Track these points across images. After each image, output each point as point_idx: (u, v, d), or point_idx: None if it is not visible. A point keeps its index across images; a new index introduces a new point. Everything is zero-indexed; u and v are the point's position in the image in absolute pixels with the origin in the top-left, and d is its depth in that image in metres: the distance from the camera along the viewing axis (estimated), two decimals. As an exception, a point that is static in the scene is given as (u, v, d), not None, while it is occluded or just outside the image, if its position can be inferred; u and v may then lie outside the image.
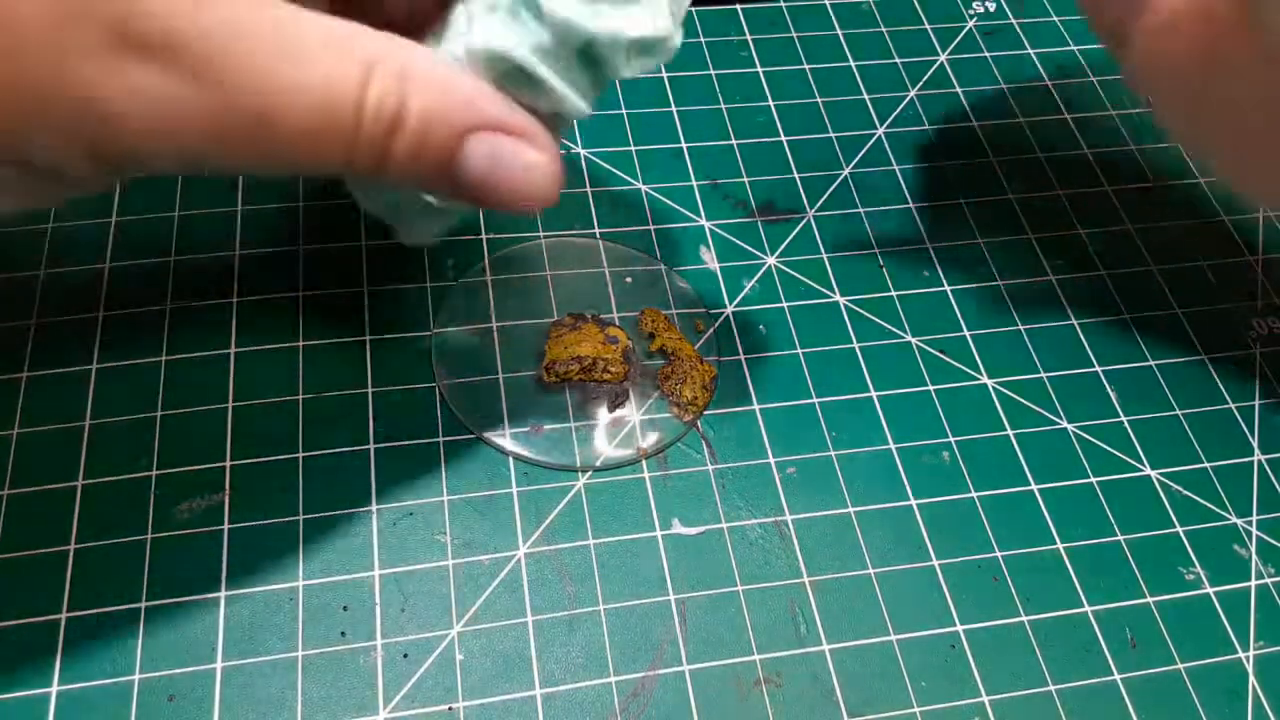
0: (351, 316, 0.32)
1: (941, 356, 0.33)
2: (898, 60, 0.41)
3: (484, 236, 0.34)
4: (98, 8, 0.17)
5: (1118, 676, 0.27)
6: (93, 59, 0.17)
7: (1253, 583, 0.29)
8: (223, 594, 0.26)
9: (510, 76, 0.21)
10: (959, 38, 0.43)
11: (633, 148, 0.37)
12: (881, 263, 0.35)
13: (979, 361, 0.33)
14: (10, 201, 0.20)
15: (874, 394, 0.32)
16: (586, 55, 0.21)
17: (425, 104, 0.20)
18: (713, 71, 0.40)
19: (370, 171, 0.21)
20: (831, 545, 0.29)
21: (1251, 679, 0.27)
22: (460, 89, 0.21)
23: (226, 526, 0.27)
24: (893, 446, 0.31)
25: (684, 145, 0.38)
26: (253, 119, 0.19)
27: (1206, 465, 0.31)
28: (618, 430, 0.30)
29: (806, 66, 0.41)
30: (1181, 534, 0.30)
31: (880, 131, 0.39)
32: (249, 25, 0.19)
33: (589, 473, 0.29)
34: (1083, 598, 0.28)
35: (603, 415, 0.30)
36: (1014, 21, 0.43)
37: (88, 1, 0.17)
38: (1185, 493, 0.31)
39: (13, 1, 0.17)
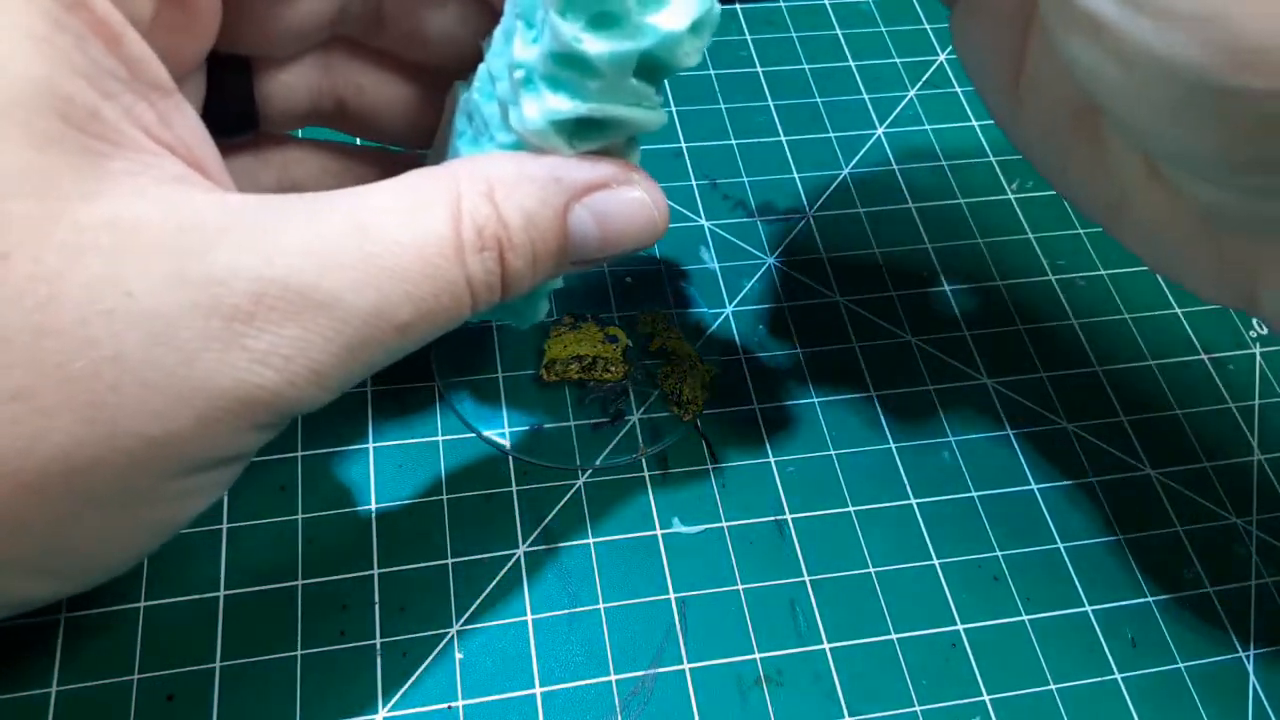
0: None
1: (941, 356, 0.33)
2: (897, 60, 0.41)
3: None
4: (193, 302, 0.17)
5: (1118, 676, 0.27)
6: (212, 350, 0.17)
7: (1252, 582, 0.29)
8: (221, 593, 0.26)
9: (581, 126, 0.21)
10: (958, 38, 0.43)
11: (632, 147, 0.37)
12: (881, 262, 0.35)
13: (979, 361, 0.33)
14: (193, 505, 0.20)
15: (874, 394, 0.32)
16: (643, 66, 0.20)
17: (521, 205, 0.20)
18: (712, 71, 0.40)
19: (499, 299, 0.21)
20: (832, 544, 0.29)
21: (1251, 678, 0.27)
22: (539, 172, 0.21)
23: (225, 526, 0.27)
24: (893, 446, 0.31)
25: (683, 145, 0.38)
26: (370, 320, 0.19)
27: (1206, 465, 0.31)
28: (617, 430, 0.30)
29: (806, 66, 0.41)
30: (1181, 533, 0.30)
31: (880, 131, 0.39)
32: (322, 238, 0.18)
33: (589, 472, 0.29)
34: (1083, 597, 0.28)
35: (602, 415, 0.30)
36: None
37: (180, 303, 0.17)
38: (1185, 492, 0.31)
39: (111, 341, 0.17)
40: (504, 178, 0.20)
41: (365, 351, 0.19)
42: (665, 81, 0.21)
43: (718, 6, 0.20)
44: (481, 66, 0.23)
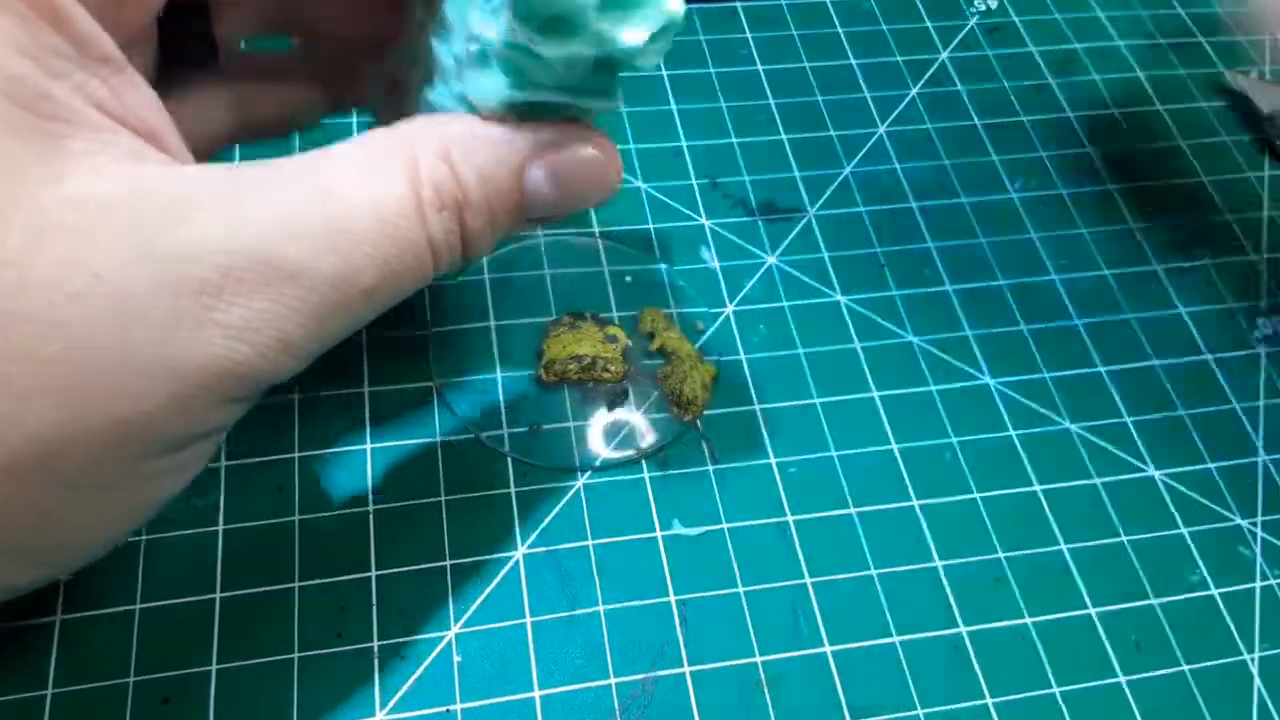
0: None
1: (943, 356, 0.33)
2: (899, 58, 0.41)
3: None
4: (160, 279, 0.17)
5: (1122, 678, 0.27)
6: (183, 328, 0.17)
7: (1257, 584, 0.29)
8: (218, 595, 0.26)
9: (534, 108, 0.21)
10: (960, 35, 0.42)
11: (632, 146, 0.37)
12: (882, 261, 0.35)
13: (981, 361, 0.33)
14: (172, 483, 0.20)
15: (875, 394, 0.32)
16: (600, 63, 0.20)
17: (477, 166, 0.21)
18: (712, 69, 0.40)
19: (461, 258, 0.21)
20: (833, 546, 0.28)
21: (1256, 680, 0.27)
22: (494, 133, 0.21)
23: (221, 527, 0.27)
24: (894, 446, 0.31)
25: (684, 144, 0.37)
26: (336, 285, 0.19)
27: (1210, 466, 0.31)
28: (617, 430, 0.30)
29: (807, 64, 0.41)
30: (1185, 535, 0.30)
31: (881, 130, 0.39)
32: (285, 205, 0.18)
33: (588, 473, 0.29)
34: (1086, 599, 0.28)
35: (602, 415, 0.30)
36: (1015, 19, 0.43)
37: (147, 282, 0.17)
38: (1189, 493, 0.30)
39: (81, 325, 0.17)
40: (459, 138, 0.20)
41: (333, 318, 0.19)
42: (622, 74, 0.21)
43: (680, 13, 0.20)
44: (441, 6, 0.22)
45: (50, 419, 0.17)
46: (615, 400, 0.30)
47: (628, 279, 0.33)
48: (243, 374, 0.18)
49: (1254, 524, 0.30)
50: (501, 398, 0.30)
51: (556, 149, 0.22)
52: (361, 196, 0.19)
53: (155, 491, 0.20)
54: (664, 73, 0.39)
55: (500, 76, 0.20)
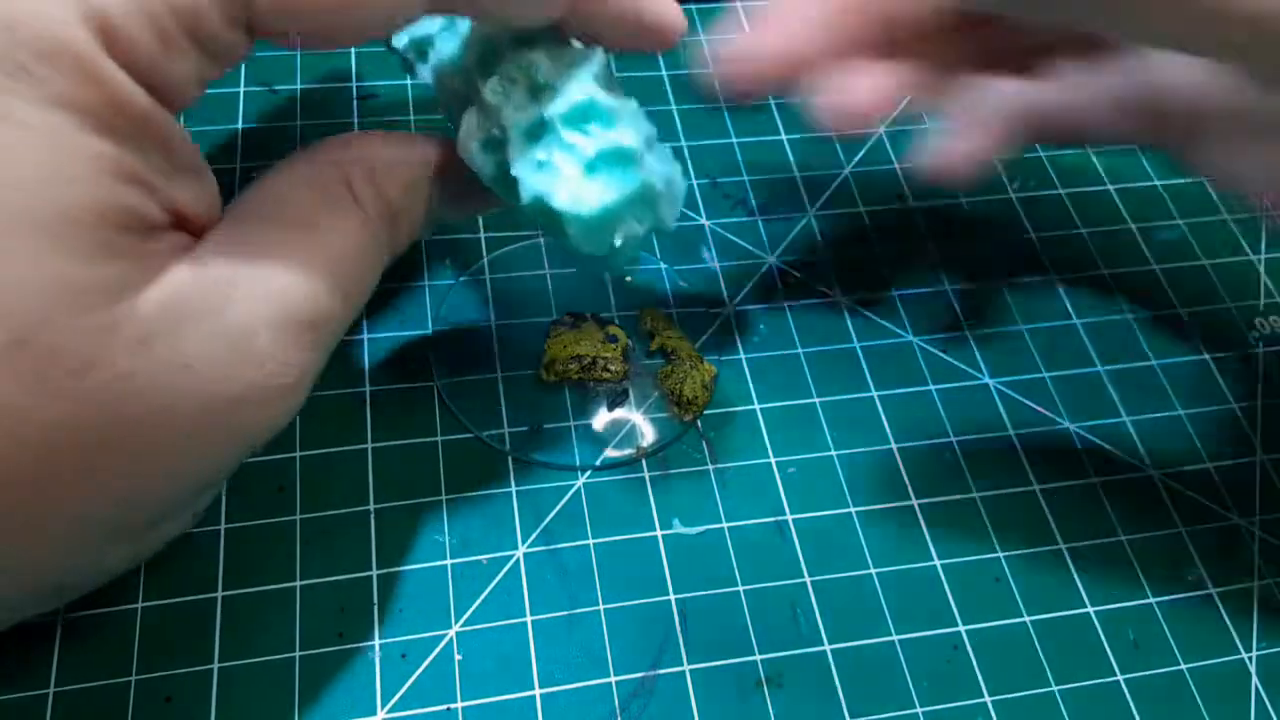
0: (350, 316, 0.31)
1: (942, 356, 0.33)
2: (898, 59, 0.41)
3: (483, 236, 0.34)
4: (246, 348, 0.20)
5: (1120, 677, 0.27)
6: (258, 387, 0.20)
7: (1255, 583, 0.29)
8: (220, 594, 0.26)
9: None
10: (960, 37, 0.42)
11: (632, 147, 0.37)
12: (882, 261, 0.35)
13: (980, 361, 0.33)
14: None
15: (874, 393, 0.32)
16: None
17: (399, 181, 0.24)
18: (712, 70, 0.40)
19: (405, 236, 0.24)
20: (832, 545, 0.29)
21: (1254, 680, 0.27)
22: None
23: (223, 526, 0.27)
24: (894, 446, 0.31)
25: (684, 144, 0.38)
26: (341, 319, 0.23)
27: (1209, 465, 0.31)
28: (617, 430, 0.30)
29: (807, 65, 0.41)
30: (1184, 534, 0.30)
31: (881, 130, 0.39)
32: (306, 279, 0.21)
33: (588, 472, 0.29)
34: (1085, 598, 0.28)
35: (602, 415, 0.30)
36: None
37: (238, 354, 0.20)
38: (1188, 492, 0.31)
39: None
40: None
41: (325, 356, 0.22)
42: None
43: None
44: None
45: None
46: (615, 400, 0.31)
47: (628, 279, 0.33)
48: (270, 426, 0.21)
49: (1252, 523, 0.30)
50: (502, 398, 0.30)
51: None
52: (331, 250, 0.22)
53: (154, 543, 0.23)
54: (664, 73, 0.39)
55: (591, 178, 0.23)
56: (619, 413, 0.30)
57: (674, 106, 0.38)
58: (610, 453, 0.30)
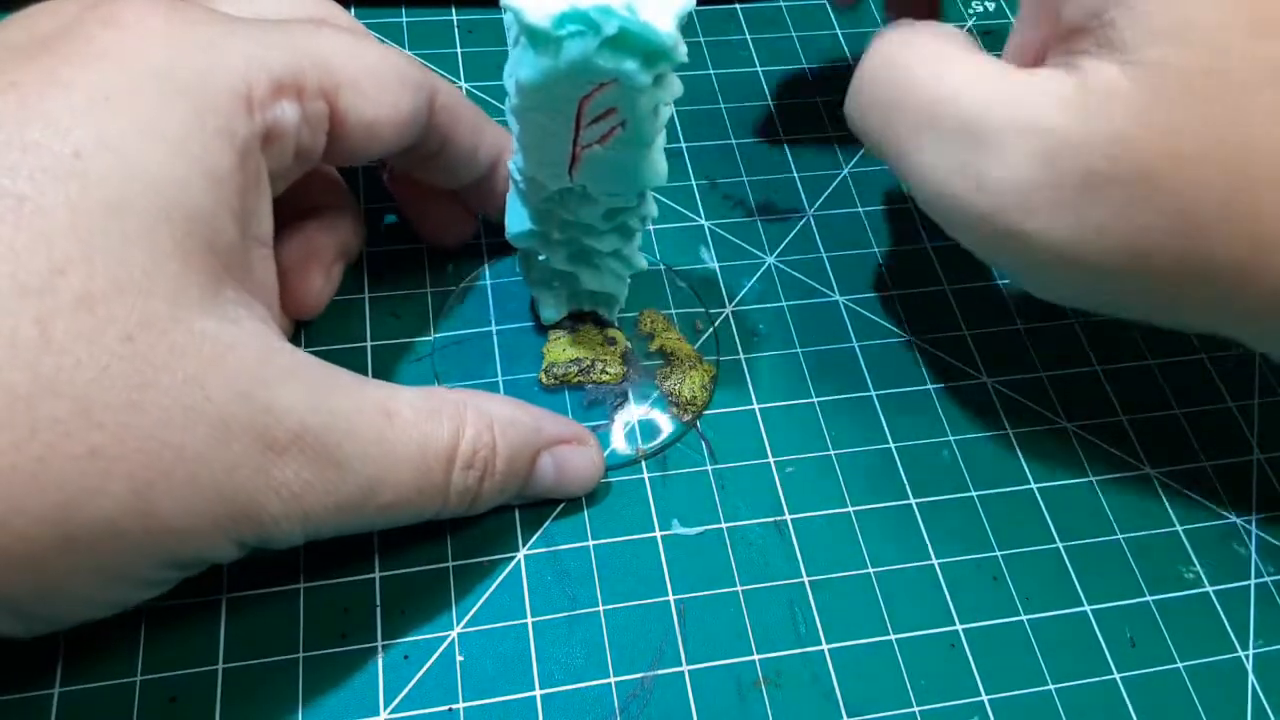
0: (352, 320, 0.32)
1: (941, 355, 0.33)
2: (897, 59, 0.41)
3: (484, 241, 0.34)
4: (250, 421, 0.20)
5: (1117, 675, 0.27)
6: (247, 467, 0.20)
7: (1252, 581, 0.29)
8: (224, 595, 0.26)
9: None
10: (959, 36, 0.42)
11: (632, 148, 0.37)
12: (881, 261, 0.35)
13: (978, 360, 0.33)
14: (146, 595, 0.23)
15: (874, 393, 0.32)
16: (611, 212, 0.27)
17: (510, 443, 0.25)
18: (712, 71, 0.40)
19: (466, 509, 0.26)
20: (831, 545, 0.29)
21: (1251, 678, 0.27)
22: (527, 420, 0.26)
23: (227, 529, 0.27)
24: (892, 446, 0.31)
25: (683, 145, 0.38)
26: (365, 489, 0.22)
27: (1206, 464, 0.31)
28: (617, 431, 0.30)
29: (806, 66, 0.41)
30: (1181, 532, 0.30)
31: (880, 130, 0.39)
32: (356, 408, 0.22)
33: (589, 473, 0.29)
34: (1082, 597, 0.28)
35: (602, 417, 0.30)
36: (1012, 20, 0.43)
37: (241, 420, 0.20)
38: (1185, 491, 0.31)
39: (181, 433, 0.19)
40: (501, 417, 0.25)
41: (348, 514, 0.22)
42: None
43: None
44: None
45: (122, 505, 0.19)
46: (615, 402, 0.31)
47: (628, 280, 0.34)
48: (264, 524, 0.21)
49: (1248, 521, 0.30)
50: (502, 399, 0.30)
51: (566, 445, 0.27)
52: (414, 431, 0.23)
53: (132, 596, 0.22)
54: (663, 74, 0.39)
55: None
56: (618, 415, 0.31)
57: (674, 107, 0.38)
58: (610, 454, 0.30)
